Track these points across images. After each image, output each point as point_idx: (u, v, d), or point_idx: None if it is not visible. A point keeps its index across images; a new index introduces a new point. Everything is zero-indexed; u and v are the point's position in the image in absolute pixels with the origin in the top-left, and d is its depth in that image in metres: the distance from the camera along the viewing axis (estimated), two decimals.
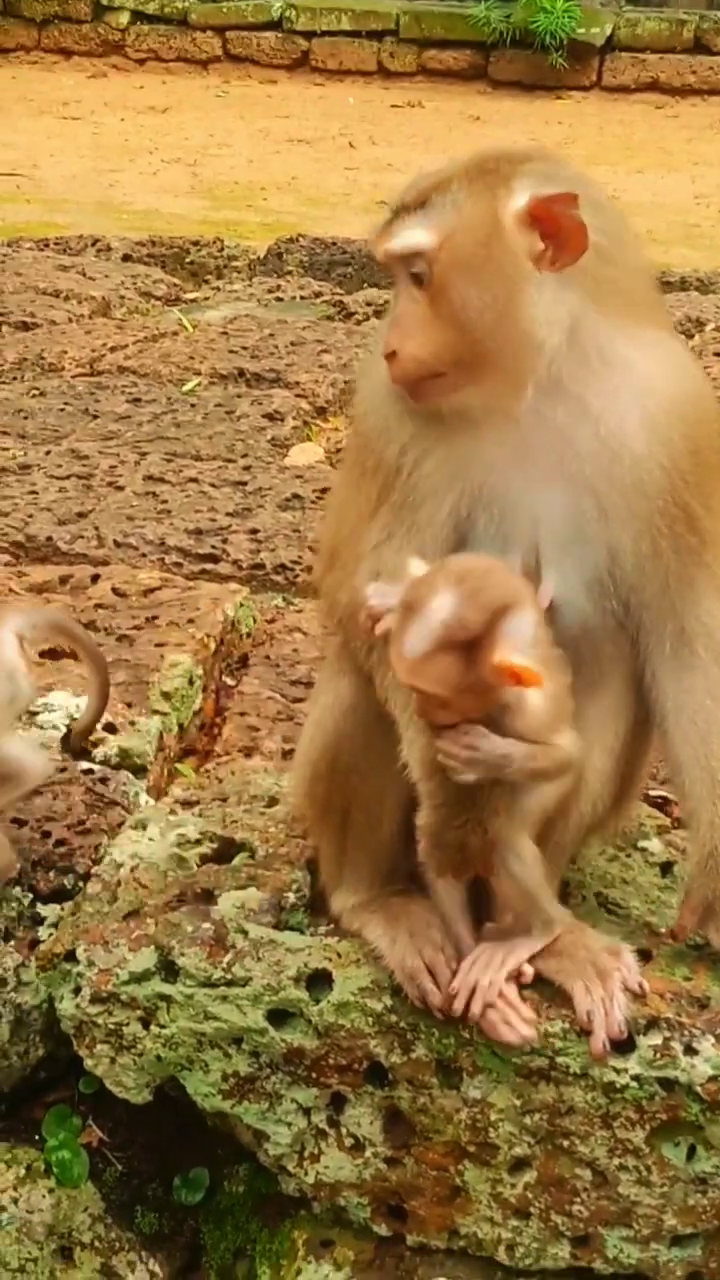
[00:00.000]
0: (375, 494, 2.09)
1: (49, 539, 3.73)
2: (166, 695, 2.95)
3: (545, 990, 2.11)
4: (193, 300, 6.03)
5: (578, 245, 1.94)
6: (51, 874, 2.47)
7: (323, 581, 2.23)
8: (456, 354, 1.99)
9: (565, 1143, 2.13)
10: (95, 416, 4.56)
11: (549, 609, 2.03)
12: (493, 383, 2.00)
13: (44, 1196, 2.37)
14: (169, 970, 2.25)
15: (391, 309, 2.06)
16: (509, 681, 1.89)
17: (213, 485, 4.06)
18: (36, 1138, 2.41)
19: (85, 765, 2.75)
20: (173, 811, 2.58)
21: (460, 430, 2.04)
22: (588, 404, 2.02)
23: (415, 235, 1.97)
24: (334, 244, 6.81)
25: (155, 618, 3.22)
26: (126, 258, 6.63)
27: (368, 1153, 2.22)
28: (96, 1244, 2.36)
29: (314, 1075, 2.22)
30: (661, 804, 2.57)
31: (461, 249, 1.96)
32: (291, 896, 2.32)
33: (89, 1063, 2.30)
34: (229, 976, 2.22)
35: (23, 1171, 2.38)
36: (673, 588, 2.09)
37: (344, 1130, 2.22)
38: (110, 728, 2.84)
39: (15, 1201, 2.37)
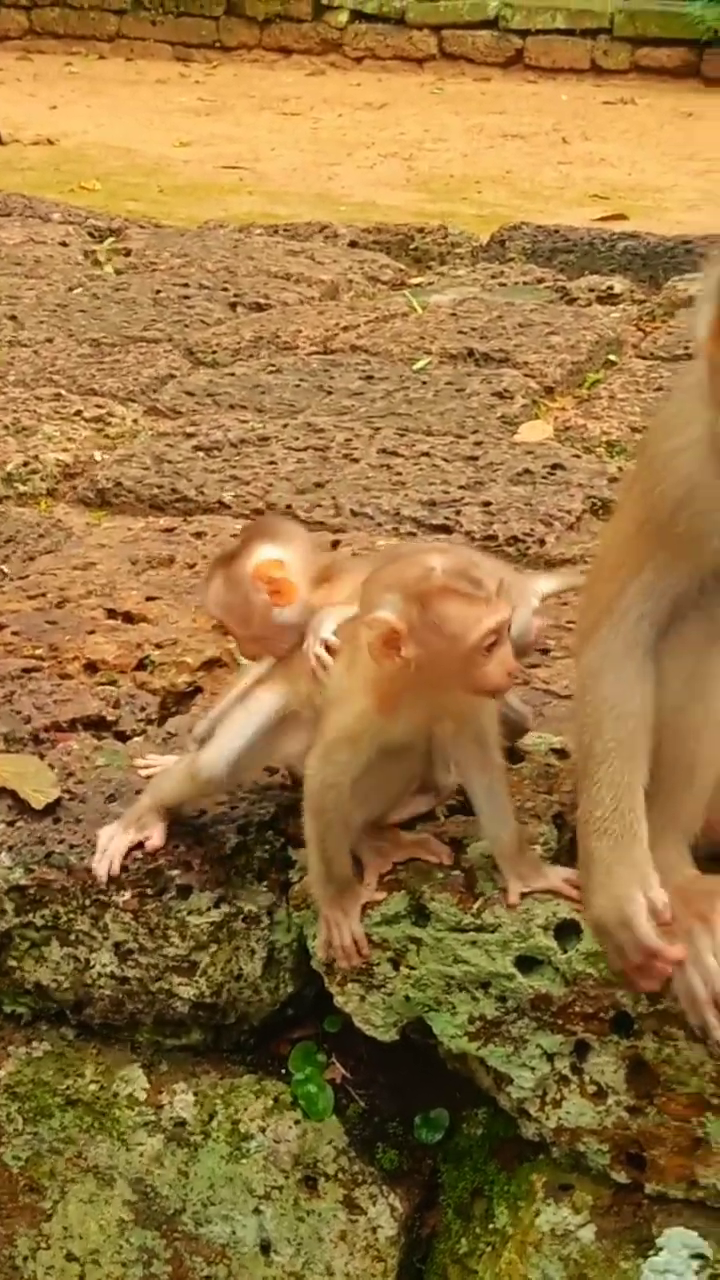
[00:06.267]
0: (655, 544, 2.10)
1: (288, 507, 3.77)
2: None
3: None
4: (418, 284, 6.04)
5: None
6: (301, 820, 2.50)
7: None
8: None
9: None
10: (329, 393, 4.60)
11: None
12: None
13: (290, 1128, 2.41)
14: (420, 914, 2.27)
15: None
16: (264, 588, 2.26)
17: (445, 459, 4.07)
18: (283, 1072, 2.46)
19: None
20: None
21: None
22: None
23: None
24: (556, 231, 6.75)
25: None
26: (353, 244, 6.66)
27: (610, 1100, 2.21)
28: (340, 1175, 2.39)
29: (559, 1022, 2.22)
30: None
31: None
32: (539, 849, 2.33)
33: (339, 999, 2.33)
34: (479, 922, 2.24)
35: (270, 1103, 2.43)
36: None
37: (587, 1077, 2.22)
38: None
39: (263, 1131, 2.42)
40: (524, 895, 2.22)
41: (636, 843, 2.09)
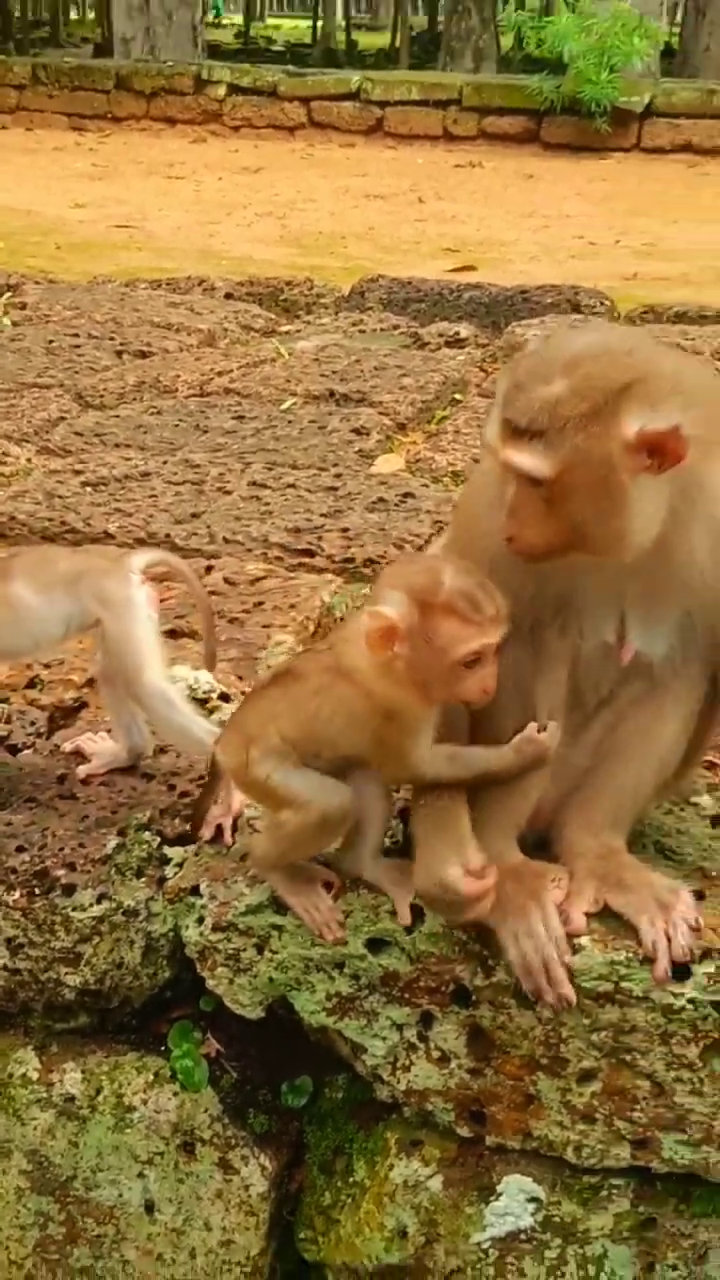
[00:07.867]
0: None
1: (167, 535, 3.75)
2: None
3: (611, 923, 2.12)
4: (286, 332, 6.05)
5: (679, 457, 1.93)
6: (176, 821, 2.49)
7: None
8: (568, 541, 1.99)
9: (628, 1057, 2.13)
10: (205, 431, 4.59)
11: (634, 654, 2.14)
12: (601, 554, 2.02)
13: (170, 1099, 2.40)
14: (280, 904, 2.26)
15: (506, 492, 2.01)
16: None
17: (308, 490, 4.07)
18: (162, 1049, 2.44)
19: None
20: None
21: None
22: (673, 540, 2.03)
23: (534, 464, 1.93)
24: (409, 283, 6.80)
25: (261, 603, 3.24)
26: (229, 296, 6.66)
27: (453, 1064, 2.23)
28: (215, 1140, 2.38)
29: (406, 996, 2.23)
30: (710, 766, 2.56)
31: (575, 477, 1.93)
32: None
33: (210, 983, 2.32)
34: None
35: (151, 1077, 2.41)
36: None
37: (432, 1045, 2.23)
38: (224, 697, 2.86)
39: (145, 1103, 2.40)
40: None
41: (455, 824, 2.09)
